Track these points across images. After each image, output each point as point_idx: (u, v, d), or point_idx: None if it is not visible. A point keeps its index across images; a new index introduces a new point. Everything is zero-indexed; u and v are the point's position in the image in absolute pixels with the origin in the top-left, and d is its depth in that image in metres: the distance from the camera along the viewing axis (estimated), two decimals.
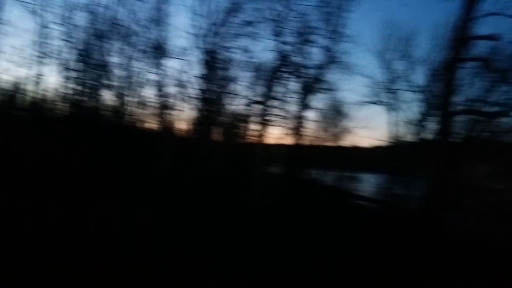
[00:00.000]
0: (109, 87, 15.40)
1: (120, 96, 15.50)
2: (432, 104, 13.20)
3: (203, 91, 15.47)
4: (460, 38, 11.57)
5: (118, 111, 15.56)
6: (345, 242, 9.01)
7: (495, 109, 12.34)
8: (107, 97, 15.52)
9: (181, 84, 15.91)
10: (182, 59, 15.44)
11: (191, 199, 11.65)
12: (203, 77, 15.33)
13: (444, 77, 12.21)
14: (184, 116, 16.91)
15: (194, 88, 15.50)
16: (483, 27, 12.02)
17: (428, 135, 13.42)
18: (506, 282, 7.16)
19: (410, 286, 6.72)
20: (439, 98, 12.51)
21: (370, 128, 18.66)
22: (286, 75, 15.94)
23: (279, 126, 16.26)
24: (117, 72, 15.48)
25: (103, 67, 15.15)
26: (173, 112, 16.49)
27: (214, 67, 15.68)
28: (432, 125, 13.19)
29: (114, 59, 15.42)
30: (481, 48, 12.26)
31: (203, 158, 14.72)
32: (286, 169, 16.68)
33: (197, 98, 15.68)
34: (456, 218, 12.55)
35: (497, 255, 9.09)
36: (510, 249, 9.28)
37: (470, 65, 12.28)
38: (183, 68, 16.30)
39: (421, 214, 12.43)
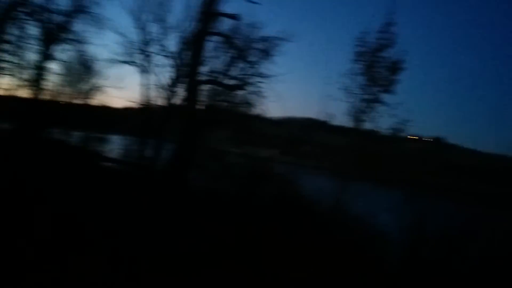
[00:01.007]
0: None
1: None
2: (181, 71, 14.70)
3: None
4: (207, 12, 13.36)
5: None
6: (92, 204, 9.43)
7: (234, 82, 14.97)
8: None
9: None
10: None
11: None
12: None
13: (192, 47, 13.89)
14: None
15: None
16: (228, 6, 14.21)
17: (177, 101, 14.93)
18: (226, 222, 9.49)
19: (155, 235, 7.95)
20: (187, 66, 14.16)
21: (122, 88, 18.87)
22: (22, 16, 14.41)
23: (11, 75, 14.71)
24: None
25: None
26: None
27: None
28: (181, 91, 14.76)
29: None
30: (225, 25, 14.47)
31: None
32: (19, 125, 15.37)
33: None
34: (197, 177, 14.78)
35: (225, 205, 11.56)
36: (238, 202, 11.95)
37: (215, 39, 14.34)
38: None
39: (167, 174, 14.05)
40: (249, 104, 14.82)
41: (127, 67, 15.55)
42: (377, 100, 11.43)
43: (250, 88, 14.56)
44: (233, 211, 10.84)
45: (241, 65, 14.59)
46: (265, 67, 14.36)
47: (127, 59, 15.25)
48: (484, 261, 8.81)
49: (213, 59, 14.61)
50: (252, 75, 14.43)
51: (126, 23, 15.95)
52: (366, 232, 10.64)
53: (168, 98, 14.90)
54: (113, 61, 15.42)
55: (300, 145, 22.35)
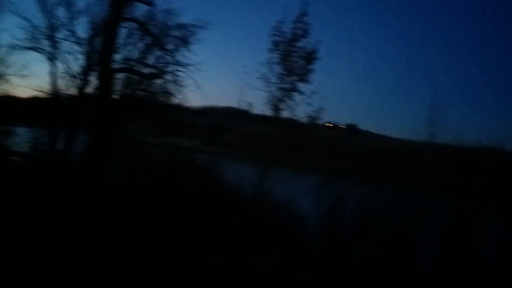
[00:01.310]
0: None
1: None
2: (93, 59, 13.70)
3: None
4: None
5: None
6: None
7: (151, 70, 14.32)
8: None
9: None
10: None
11: None
12: None
13: (104, 33, 12.99)
14: None
15: None
16: None
17: (90, 90, 13.94)
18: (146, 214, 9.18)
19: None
20: (99, 53, 13.24)
21: (27, 76, 16.70)
22: None
23: None
24: None
25: None
26: None
27: None
28: (93, 80, 13.79)
29: None
30: (139, 11, 13.74)
31: None
32: None
33: None
34: (115, 169, 14.04)
35: (145, 197, 11.15)
36: (151, 191, 11.53)
37: (129, 25, 13.58)
38: None
39: (82, 167, 13.13)
40: (167, 93, 14.31)
41: (32, 54, 14.16)
42: (294, 89, 11.60)
43: (168, 77, 14.08)
44: (154, 203, 10.48)
45: (157, 53, 14.03)
46: (183, 56, 13.96)
47: (32, 45, 13.87)
48: (392, 237, 9.37)
49: (128, 46, 13.89)
50: (170, 63, 13.96)
51: (30, 6, 14.38)
52: (287, 217, 10.86)
53: (80, 87, 13.84)
54: (16, 47, 13.93)
55: (222, 134, 22.27)
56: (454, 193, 9.83)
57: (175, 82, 13.98)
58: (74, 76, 13.85)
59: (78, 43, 13.77)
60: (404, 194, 10.71)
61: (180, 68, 13.81)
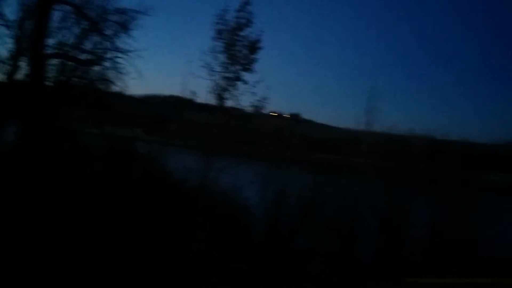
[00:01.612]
0: None
1: None
2: (24, 43, 12.73)
3: None
4: None
5: None
6: None
7: (88, 56, 13.56)
8: None
9: None
10: None
11: None
12: None
13: (36, 16, 12.08)
14: None
15: None
16: None
17: (20, 76, 12.98)
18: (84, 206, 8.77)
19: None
20: (30, 37, 12.31)
21: None
22: None
23: None
24: None
25: None
26: None
27: None
28: (24, 66, 12.83)
29: None
30: None
31: None
32: None
33: None
34: (50, 160, 13.22)
35: (82, 188, 10.61)
36: (90, 183, 11.01)
37: (63, 8, 12.72)
38: None
39: (13, 157, 12.24)
40: (107, 80, 13.63)
41: None
42: (238, 78, 11.55)
43: (107, 64, 13.40)
44: (92, 194, 10.02)
45: (95, 38, 13.29)
46: (123, 42, 13.34)
47: None
48: (333, 222, 9.67)
49: (62, 30, 13.00)
50: (109, 49, 13.28)
51: None
52: (232, 206, 10.86)
53: (9, 73, 12.82)
54: None
55: (166, 123, 21.73)
56: (389, 179, 10.31)
57: (115, 69, 13.36)
58: (2, 62, 12.86)
59: (7, 26, 12.75)
60: (344, 180, 11.07)
61: (120, 55, 13.20)
